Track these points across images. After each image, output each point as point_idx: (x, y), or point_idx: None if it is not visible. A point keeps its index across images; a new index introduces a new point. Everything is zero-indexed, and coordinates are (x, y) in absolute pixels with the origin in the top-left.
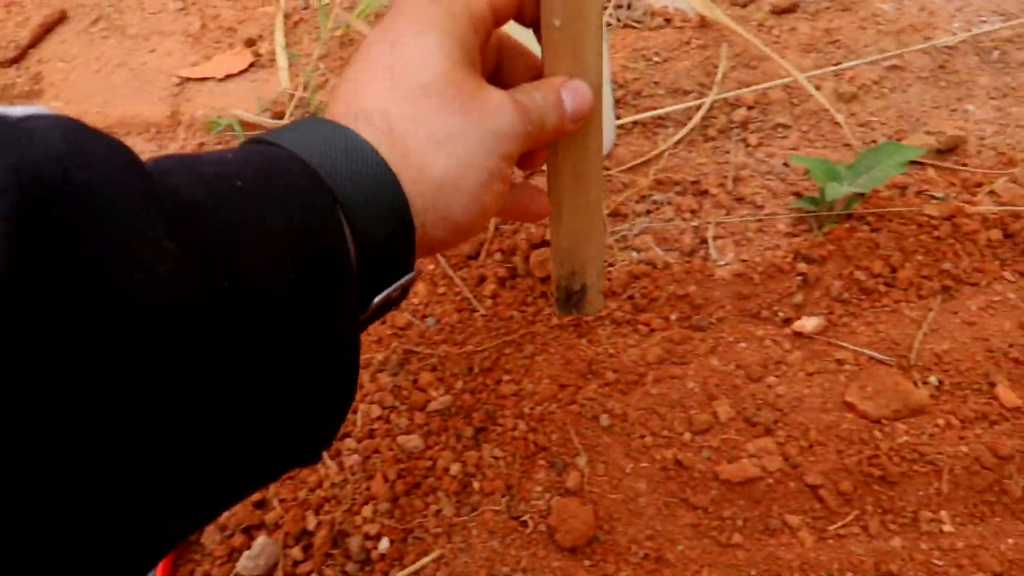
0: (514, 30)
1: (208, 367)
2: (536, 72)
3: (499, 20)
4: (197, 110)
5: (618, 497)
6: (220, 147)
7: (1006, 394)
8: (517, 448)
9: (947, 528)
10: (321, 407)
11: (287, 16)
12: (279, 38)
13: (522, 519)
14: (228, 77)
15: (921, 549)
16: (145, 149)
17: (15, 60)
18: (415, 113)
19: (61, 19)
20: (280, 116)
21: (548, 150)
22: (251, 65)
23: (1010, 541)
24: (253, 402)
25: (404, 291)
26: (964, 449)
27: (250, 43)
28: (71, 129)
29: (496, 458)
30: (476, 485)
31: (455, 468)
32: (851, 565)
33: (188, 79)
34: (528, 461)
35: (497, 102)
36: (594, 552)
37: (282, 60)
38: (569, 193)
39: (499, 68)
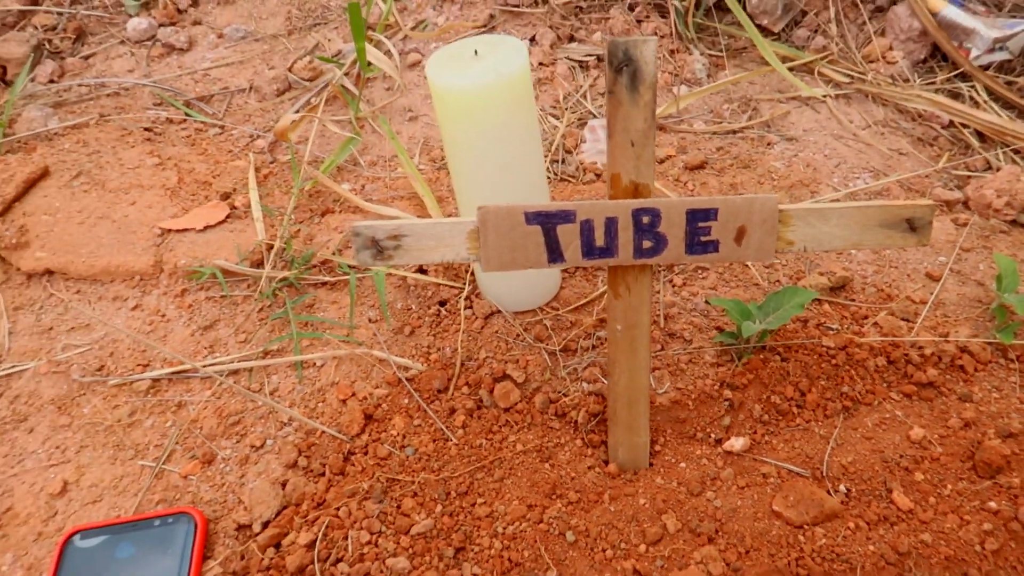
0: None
1: None
2: None
3: None
4: (180, 259)
5: None
6: (204, 297)
7: (901, 499)
8: (494, 565)
9: None
10: None
11: (256, 169)
12: (253, 193)
13: None
14: (207, 228)
15: None
16: (129, 296)
17: (1, 213)
18: None
19: (44, 175)
20: (258, 264)
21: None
22: (227, 216)
23: None
24: None
25: None
26: (872, 548)
27: (225, 196)
28: None
29: (475, 575)
30: None
31: None
32: None
33: (169, 230)
34: None
35: None
36: None
37: (257, 212)
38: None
39: None
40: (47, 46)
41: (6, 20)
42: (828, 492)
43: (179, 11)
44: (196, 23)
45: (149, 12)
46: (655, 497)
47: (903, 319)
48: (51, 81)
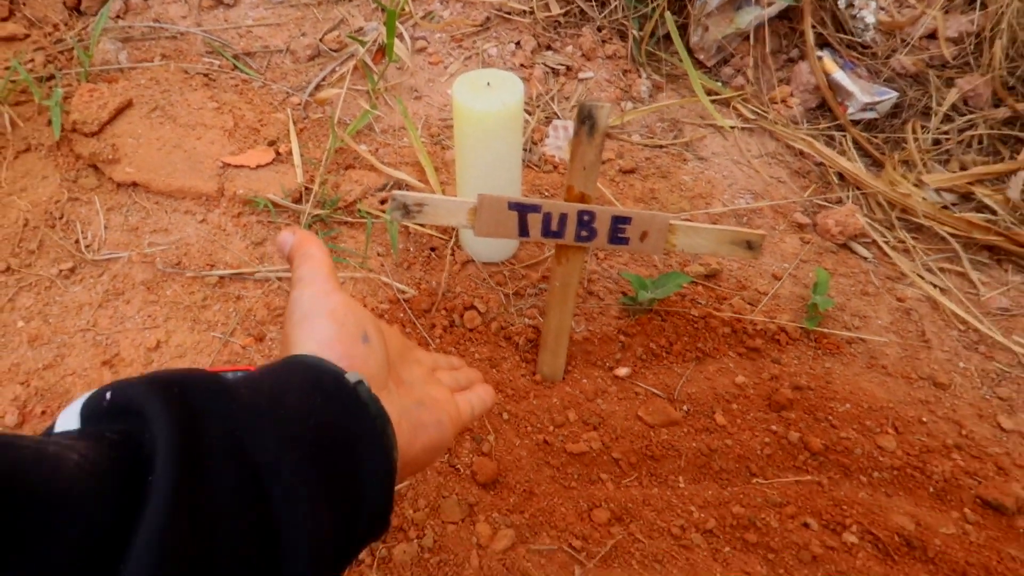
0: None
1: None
2: None
3: None
4: (238, 189)
5: (511, 458)
6: (255, 219)
7: (720, 418)
8: None
9: (682, 485)
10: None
11: (293, 123)
12: (295, 145)
13: (456, 467)
14: (259, 167)
15: (666, 494)
16: (197, 211)
17: (97, 133)
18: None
19: (129, 105)
20: (297, 201)
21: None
22: (273, 160)
23: (710, 492)
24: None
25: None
26: (694, 444)
27: (271, 143)
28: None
29: None
30: None
31: None
32: (632, 500)
33: (229, 164)
34: (459, 437)
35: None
36: (496, 486)
37: (297, 160)
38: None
39: None
40: None
41: None
42: (675, 409)
43: None
44: None
45: None
46: (563, 399)
47: (749, 303)
48: (118, 17)
